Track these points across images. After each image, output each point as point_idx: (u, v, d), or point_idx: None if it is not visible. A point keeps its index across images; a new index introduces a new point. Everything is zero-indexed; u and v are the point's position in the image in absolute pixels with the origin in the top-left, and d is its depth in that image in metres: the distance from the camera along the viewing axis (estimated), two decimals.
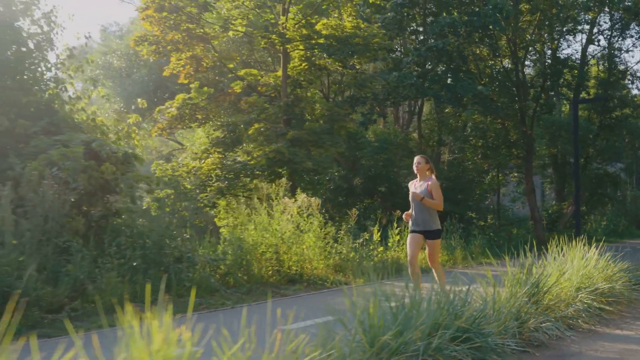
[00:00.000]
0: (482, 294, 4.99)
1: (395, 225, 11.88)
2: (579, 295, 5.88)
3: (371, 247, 11.54)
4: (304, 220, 10.02)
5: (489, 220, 20.29)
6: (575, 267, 6.30)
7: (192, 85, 14.46)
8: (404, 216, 6.94)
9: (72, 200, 7.51)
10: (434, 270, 6.63)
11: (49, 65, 9.58)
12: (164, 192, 9.66)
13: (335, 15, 14.70)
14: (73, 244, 6.97)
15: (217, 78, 15.04)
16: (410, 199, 6.79)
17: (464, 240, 14.72)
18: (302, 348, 3.15)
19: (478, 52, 18.72)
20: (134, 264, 7.43)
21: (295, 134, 13.21)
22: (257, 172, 13.30)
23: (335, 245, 10.62)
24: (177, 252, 8.04)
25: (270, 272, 9.41)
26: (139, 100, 12.23)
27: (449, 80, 16.70)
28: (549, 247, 6.62)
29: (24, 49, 9.27)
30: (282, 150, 12.74)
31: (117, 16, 71.96)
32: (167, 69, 14.39)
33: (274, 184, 10.42)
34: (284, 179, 10.82)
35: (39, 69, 9.48)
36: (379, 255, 11.70)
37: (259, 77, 14.71)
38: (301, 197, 10.16)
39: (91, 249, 7.18)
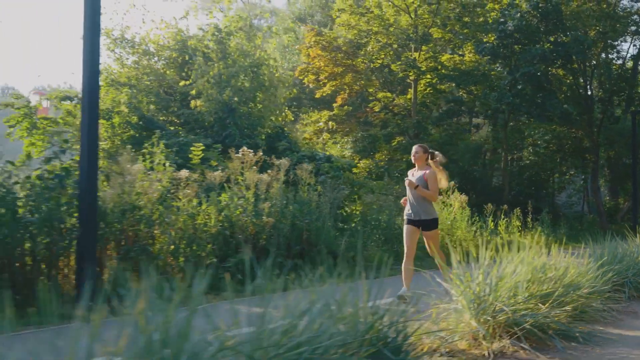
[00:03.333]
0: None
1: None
2: None
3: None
4: (460, 211, 13.90)
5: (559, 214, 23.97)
6: None
7: (335, 104, 18.46)
8: (401, 201, 7.03)
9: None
10: (437, 258, 6.25)
11: None
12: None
13: (460, 52, 18.51)
14: None
15: (356, 100, 18.98)
16: (406, 185, 6.81)
17: (551, 230, 18.46)
18: None
19: (554, 71, 22.31)
20: None
21: (429, 145, 17.08)
22: (396, 175, 17.23)
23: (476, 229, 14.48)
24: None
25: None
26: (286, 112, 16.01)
27: (538, 99, 20.37)
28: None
29: None
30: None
31: None
32: (319, 92, 18.37)
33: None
34: (452, 182, 14.66)
35: None
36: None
37: (393, 99, 18.62)
38: (458, 194, 14.03)
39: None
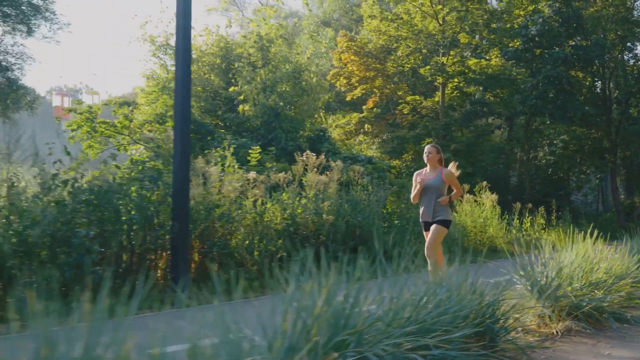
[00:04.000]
0: None
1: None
2: None
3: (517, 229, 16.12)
4: (491, 210, 14.64)
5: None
6: None
7: (364, 107, 19.21)
8: (418, 185, 6.64)
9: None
10: (428, 258, 6.27)
11: None
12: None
13: (487, 57, 19.21)
14: None
15: (387, 103, 19.72)
16: (422, 188, 6.56)
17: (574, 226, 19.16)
18: None
19: (574, 74, 22.96)
20: None
21: (457, 146, 17.84)
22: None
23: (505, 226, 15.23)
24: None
25: (476, 243, 14.08)
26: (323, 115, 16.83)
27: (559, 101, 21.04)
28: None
29: None
30: (450, 159, 17.39)
31: None
32: (349, 95, 19.13)
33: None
34: (484, 182, 15.40)
35: None
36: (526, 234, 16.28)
37: (420, 102, 19.35)
38: (489, 193, 14.77)
39: None
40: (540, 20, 20.21)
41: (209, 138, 12.85)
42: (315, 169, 9.52)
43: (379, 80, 18.67)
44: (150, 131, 13.75)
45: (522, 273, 5.94)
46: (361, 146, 19.64)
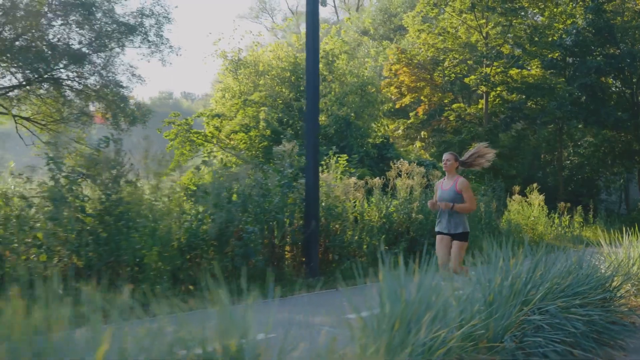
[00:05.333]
0: None
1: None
2: None
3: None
4: (539, 209, 16.09)
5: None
6: None
7: (411, 114, 20.70)
8: (429, 204, 6.68)
9: None
10: (457, 273, 6.15)
11: None
12: None
13: (528, 67, 20.65)
14: None
15: (434, 110, 21.21)
16: (437, 200, 6.55)
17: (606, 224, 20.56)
18: None
19: (604, 80, 24.34)
20: None
21: (502, 151, 19.29)
22: (471, 177, 19.39)
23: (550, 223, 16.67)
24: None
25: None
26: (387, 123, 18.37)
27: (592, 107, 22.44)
28: None
29: None
30: (496, 162, 18.85)
31: None
32: (399, 103, 20.62)
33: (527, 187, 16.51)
34: (535, 184, 16.84)
35: None
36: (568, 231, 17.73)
37: (465, 109, 20.82)
38: (537, 194, 16.22)
39: None
40: (574, 31, 21.59)
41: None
42: (406, 174, 11.03)
43: (427, 89, 20.15)
44: (231, 139, 15.33)
45: (612, 257, 7.44)
46: (420, 152, 21.09)
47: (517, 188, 16.28)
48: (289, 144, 9.92)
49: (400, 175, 11.10)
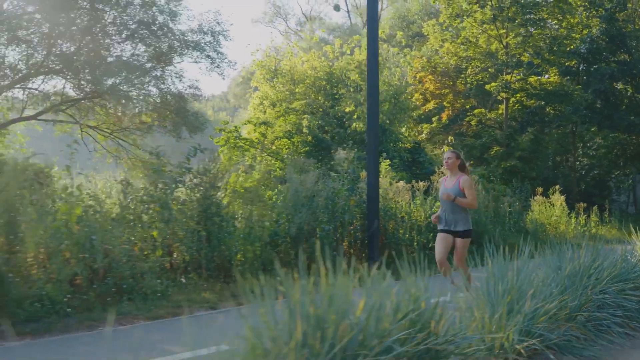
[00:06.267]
0: None
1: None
2: None
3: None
4: (561, 209, 17.22)
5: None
6: None
7: (434, 119, 21.83)
8: (432, 218, 6.73)
9: None
10: (460, 271, 6.05)
11: None
12: None
13: (547, 75, 21.77)
14: None
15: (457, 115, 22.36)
16: (440, 197, 6.63)
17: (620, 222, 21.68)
18: None
19: (615, 85, 25.49)
20: None
21: (522, 154, 20.41)
22: (492, 179, 20.52)
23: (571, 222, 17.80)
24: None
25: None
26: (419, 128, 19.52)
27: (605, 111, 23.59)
28: None
29: None
30: (517, 165, 19.99)
31: None
32: (423, 108, 21.73)
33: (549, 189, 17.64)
34: (557, 185, 17.95)
35: None
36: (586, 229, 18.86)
37: (485, 114, 21.95)
38: (559, 195, 17.34)
39: None
40: (589, 39, 22.73)
41: (332, 152, 15.49)
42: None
43: (450, 95, 21.28)
44: (273, 145, 16.45)
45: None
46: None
47: (540, 189, 17.39)
48: (344, 151, 11.04)
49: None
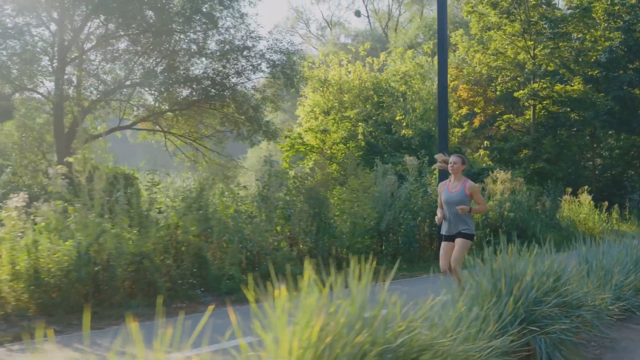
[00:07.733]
0: None
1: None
2: None
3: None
4: (588, 208, 18.96)
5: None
6: None
7: (465, 123, 23.59)
8: (436, 219, 6.66)
9: None
10: (453, 271, 6.16)
11: None
12: None
13: (572, 83, 23.49)
14: None
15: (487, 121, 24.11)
16: (443, 202, 6.50)
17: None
18: None
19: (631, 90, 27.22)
20: None
21: (549, 156, 22.14)
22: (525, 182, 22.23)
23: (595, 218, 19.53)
24: None
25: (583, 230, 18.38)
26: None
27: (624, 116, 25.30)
28: None
29: None
30: (545, 166, 21.73)
31: None
32: (456, 114, 23.47)
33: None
34: (586, 186, 19.64)
35: None
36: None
37: (513, 119, 23.68)
38: (587, 195, 19.08)
39: None
40: (609, 49, 24.46)
41: (384, 155, 17.26)
42: (500, 181, 13.93)
43: (482, 102, 23.02)
44: (330, 150, 18.19)
45: None
46: (485, 159, 23.96)
47: (569, 189, 19.16)
48: (412, 158, 12.80)
49: (495, 182, 13.99)
